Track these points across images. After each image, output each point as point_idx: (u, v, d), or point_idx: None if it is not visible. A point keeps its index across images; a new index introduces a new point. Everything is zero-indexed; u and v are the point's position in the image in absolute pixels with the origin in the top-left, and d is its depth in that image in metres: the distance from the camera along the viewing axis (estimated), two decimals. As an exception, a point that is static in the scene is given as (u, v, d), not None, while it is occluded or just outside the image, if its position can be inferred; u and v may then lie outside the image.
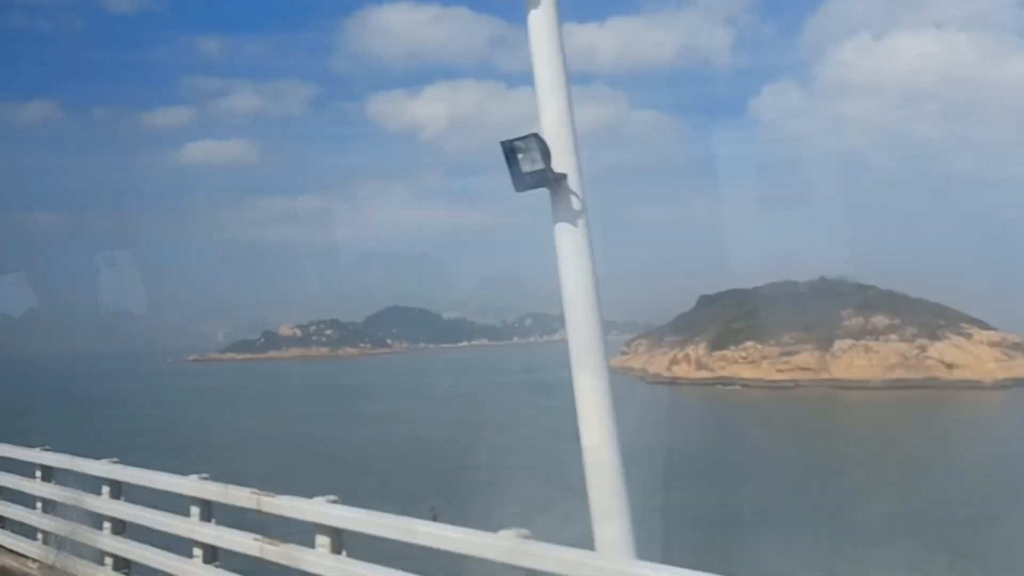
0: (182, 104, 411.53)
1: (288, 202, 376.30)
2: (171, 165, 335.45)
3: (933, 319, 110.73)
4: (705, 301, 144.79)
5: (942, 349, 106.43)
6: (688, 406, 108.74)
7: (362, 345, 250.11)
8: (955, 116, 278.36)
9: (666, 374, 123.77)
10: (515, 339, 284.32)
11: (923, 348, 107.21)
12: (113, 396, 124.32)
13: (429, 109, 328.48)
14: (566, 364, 6.33)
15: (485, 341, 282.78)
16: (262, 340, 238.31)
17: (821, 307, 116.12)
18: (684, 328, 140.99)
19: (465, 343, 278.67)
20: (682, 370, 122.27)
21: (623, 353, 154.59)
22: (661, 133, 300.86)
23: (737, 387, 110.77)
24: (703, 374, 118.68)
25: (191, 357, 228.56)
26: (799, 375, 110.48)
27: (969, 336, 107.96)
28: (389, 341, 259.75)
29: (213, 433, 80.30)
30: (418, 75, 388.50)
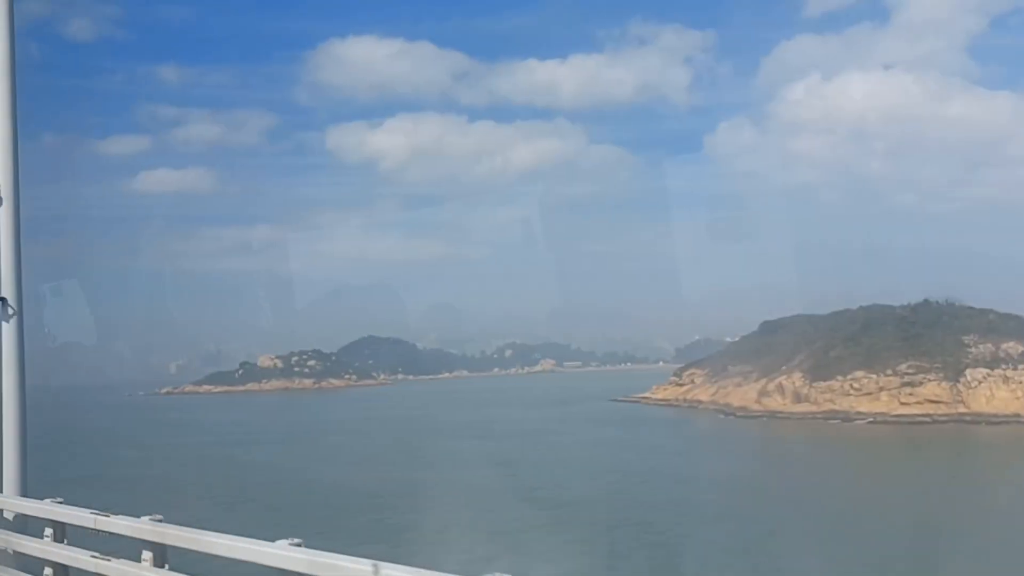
0: (138, 132, 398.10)
1: (243, 232, 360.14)
2: (125, 193, 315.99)
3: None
4: (769, 327, 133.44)
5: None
6: (803, 445, 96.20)
7: (347, 376, 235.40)
8: (901, 153, 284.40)
9: (756, 407, 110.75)
10: (496, 370, 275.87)
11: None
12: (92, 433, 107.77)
13: (389, 141, 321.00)
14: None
15: (465, 372, 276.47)
16: (240, 372, 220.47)
17: (936, 332, 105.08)
18: (750, 356, 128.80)
19: (446, 374, 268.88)
20: (776, 403, 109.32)
21: (677, 384, 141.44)
22: (619, 167, 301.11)
23: (867, 422, 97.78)
24: (806, 407, 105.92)
25: (163, 390, 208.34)
26: (929, 409, 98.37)
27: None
28: (374, 373, 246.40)
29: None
30: (380, 107, 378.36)
